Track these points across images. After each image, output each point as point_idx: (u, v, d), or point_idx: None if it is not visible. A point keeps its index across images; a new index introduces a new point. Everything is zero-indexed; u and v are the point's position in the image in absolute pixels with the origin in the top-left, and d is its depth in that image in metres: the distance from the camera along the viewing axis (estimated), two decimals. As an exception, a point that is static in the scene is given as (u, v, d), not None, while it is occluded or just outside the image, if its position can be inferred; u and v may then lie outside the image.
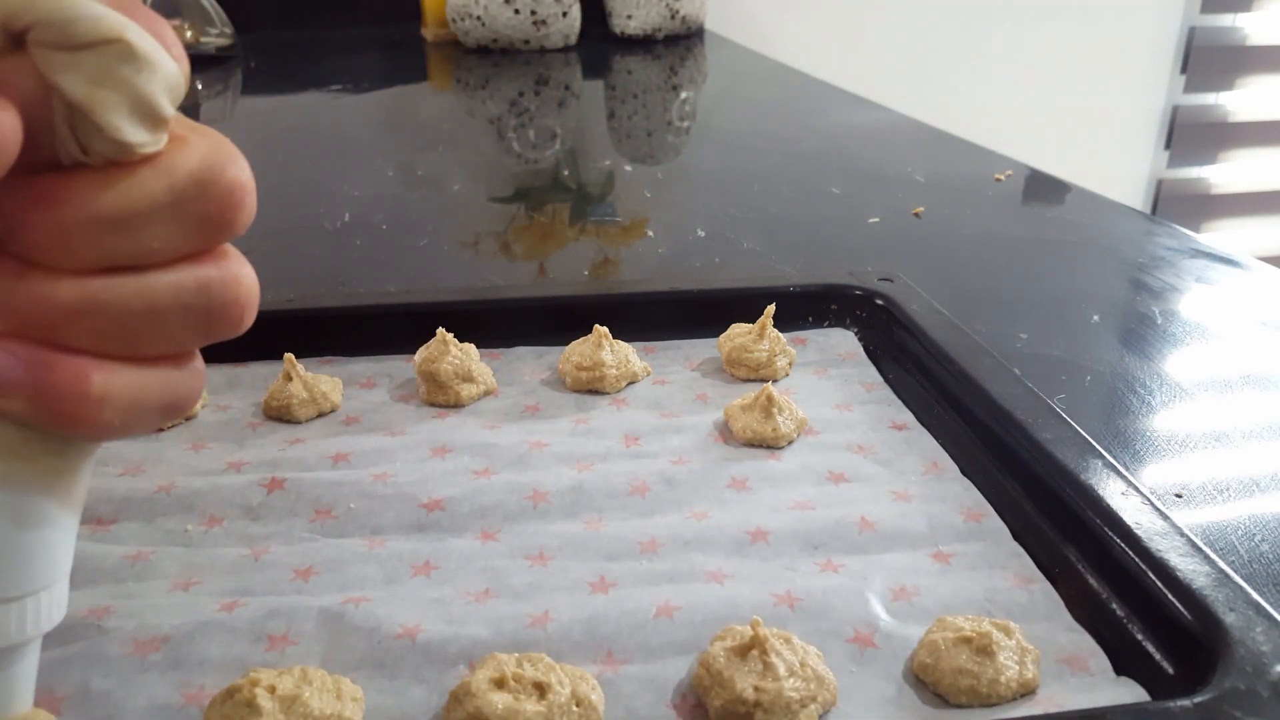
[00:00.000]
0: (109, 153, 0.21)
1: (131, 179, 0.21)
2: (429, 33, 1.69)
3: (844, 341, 0.56)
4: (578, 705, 0.30)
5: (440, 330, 0.51)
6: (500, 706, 0.30)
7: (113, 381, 0.22)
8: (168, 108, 0.21)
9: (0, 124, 0.19)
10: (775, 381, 0.53)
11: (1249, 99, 2.10)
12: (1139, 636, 0.34)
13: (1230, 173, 2.15)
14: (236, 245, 0.24)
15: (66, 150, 0.21)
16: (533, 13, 1.59)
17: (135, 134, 0.21)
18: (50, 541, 0.24)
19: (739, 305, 0.56)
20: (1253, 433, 0.50)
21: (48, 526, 0.24)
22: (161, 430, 0.48)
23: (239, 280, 0.23)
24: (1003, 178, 0.93)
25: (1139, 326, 0.62)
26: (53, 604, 0.25)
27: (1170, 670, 0.32)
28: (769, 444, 0.46)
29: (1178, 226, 0.81)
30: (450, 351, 0.50)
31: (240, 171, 0.22)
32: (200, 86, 1.36)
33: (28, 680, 0.26)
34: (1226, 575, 0.33)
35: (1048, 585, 0.37)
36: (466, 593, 0.37)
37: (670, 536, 0.40)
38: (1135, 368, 0.56)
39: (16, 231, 0.21)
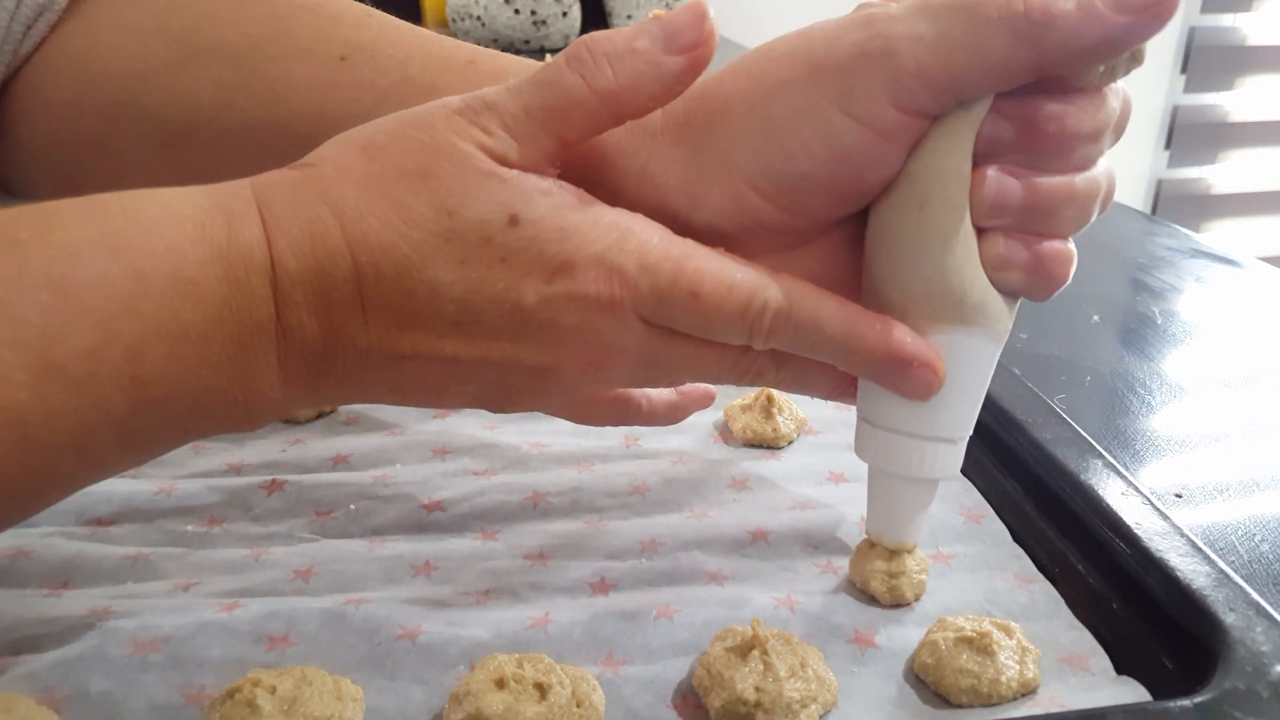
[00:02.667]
0: (1109, 79, 0.27)
1: (1103, 100, 0.28)
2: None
3: (844, 342, 0.56)
4: (578, 706, 0.30)
5: (440, 330, 0.51)
6: (500, 707, 0.30)
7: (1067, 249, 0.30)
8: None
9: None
10: (775, 382, 0.53)
11: (1249, 99, 2.10)
12: (1139, 636, 0.34)
13: (1230, 173, 2.15)
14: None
15: (1090, 73, 0.27)
16: (533, 13, 1.59)
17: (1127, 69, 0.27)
18: (980, 394, 0.31)
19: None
20: (1253, 433, 0.50)
21: (986, 381, 0.30)
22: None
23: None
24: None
25: (1139, 326, 0.62)
26: (962, 454, 0.31)
27: (1171, 670, 0.32)
28: (769, 444, 0.46)
29: (1178, 226, 0.81)
30: (450, 352, 0.50)
31: None
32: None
33: (927, 520, 0.34)
34: (1226, 575, 0.33)
35: (1048, 585, 0.37)
36: (467, 593, 0.37)
37: (670, 536, 0.40)
38: (1135, 368, 0.56)
39: (1027, 141, 0.27)
